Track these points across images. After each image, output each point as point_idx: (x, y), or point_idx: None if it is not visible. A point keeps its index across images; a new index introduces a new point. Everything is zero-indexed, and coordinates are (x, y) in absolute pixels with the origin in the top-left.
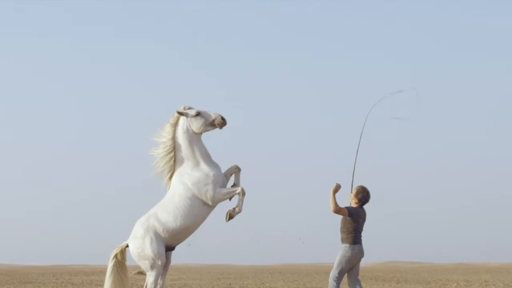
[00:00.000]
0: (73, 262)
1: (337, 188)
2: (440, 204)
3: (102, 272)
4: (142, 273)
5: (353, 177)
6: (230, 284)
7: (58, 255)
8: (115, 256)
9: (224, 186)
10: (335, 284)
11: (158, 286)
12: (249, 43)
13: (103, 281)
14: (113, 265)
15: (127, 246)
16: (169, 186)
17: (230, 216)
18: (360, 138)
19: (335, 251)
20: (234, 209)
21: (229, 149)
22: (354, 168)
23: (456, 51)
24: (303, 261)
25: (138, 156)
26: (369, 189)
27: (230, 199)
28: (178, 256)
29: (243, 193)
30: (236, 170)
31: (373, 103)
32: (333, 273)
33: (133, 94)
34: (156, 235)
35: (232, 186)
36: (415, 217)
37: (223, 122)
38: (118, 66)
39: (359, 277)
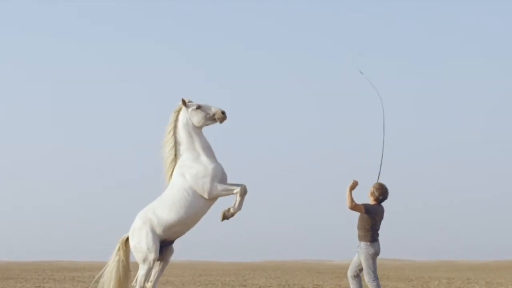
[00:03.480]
0: (55, 258)
1: (354, 185)
2: (423, 202)
3: (85, 268)
4: None
5: (379, 173)
6: (212, 281)
7: (41, 251)
8: (119, 249)
9: (223, 180)
10: (375, 283)
11: (150, 283)
12: (241, 40)
13: (85, 277)
14: (118, 260)
15: (127, 238)
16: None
17: (224, 217)
18: (384, 136)
19: (318, 249)
20: (228, 209)
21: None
22: (381, 164)
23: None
24: (285, 258)
25: (123, 155)
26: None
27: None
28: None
29: (241, 194)
30: (242, 189)
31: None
32: (369, 274)
33: (127, 91)
34: (152, 229)
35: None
36: (398, 215)
37: (223, 117)
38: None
39: (361, 274)
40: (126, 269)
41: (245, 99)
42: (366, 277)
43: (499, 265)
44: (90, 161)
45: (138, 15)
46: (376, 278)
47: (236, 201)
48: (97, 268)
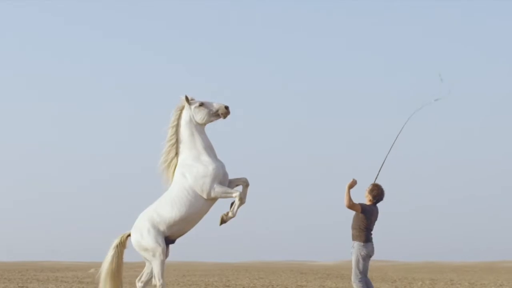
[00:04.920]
0: (39, 259)
1: (353, 183)
2: (406, 204)
3: (68, 268)
4: None
5: (378, 174)
6: (195, 281)
7: (24, 251)
8: (116, 246)
9: (224, 182)
10: (361, 284)
11: (141, 283)
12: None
13: (68, 277)
14: (113, 255)
15: (129, 235)
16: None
17: (223, 221)
18: (395, 140)
19: (301, 250)
20: (227, 213)
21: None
22: (381, 165)
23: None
24: (268, 258)
25: (103, 155)
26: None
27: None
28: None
29: (240, 198)
30: (243, 184)
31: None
32: (355, 273)
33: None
34: (154, 226)
35: (235, 187)
36: (381, 216)
37: (226, 112)
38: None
39: (368, 275)
40: (119, 265)
41: (235, 100)
42: (353, 276)
43: (482, 266)
44: (74, 160)
45: (113, 15)
46: (362, 279)
47: (234, 204)
48: (81, 268)
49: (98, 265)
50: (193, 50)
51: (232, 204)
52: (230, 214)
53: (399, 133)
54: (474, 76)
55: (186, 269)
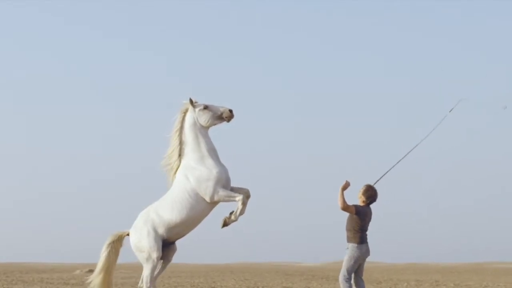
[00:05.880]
0: (24, 260)
1: (346, 185)
2: (391, 206)
3: (54, 269)
4: (93, 271)
5: (380, 178)
6: (181, 282)
7: (9, 253)
8: (112, 242)
9: (227, 185)
10: (347, 284)
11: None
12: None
13: (54, 278)
14: (108, 253)
15: (127, 234)
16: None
17: (225, 223)
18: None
19: (287, 251)
20: (230, 216)
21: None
22: (387, 171)
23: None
24: (254, 260)
25: (90, 156)
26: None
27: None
28: (128, 254)
29: (243, 202)
30: (245, 194)
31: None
32: (343, 273)
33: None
34: (154, 228)
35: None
36: None
37: (231, 115)
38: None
39: (363, 277)
40: (111, 263)
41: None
42: (340, 275)
43: (467, 267)
44: (58, 161)
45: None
46: (349, 279)
47: (238, 208)
48: (66, 269)
49: (83, 267)
50: (193, 50)
51: (231, 213)
52: (233, 218)
53: (420, 142)
54: (474, 76)
55: (172, 270)
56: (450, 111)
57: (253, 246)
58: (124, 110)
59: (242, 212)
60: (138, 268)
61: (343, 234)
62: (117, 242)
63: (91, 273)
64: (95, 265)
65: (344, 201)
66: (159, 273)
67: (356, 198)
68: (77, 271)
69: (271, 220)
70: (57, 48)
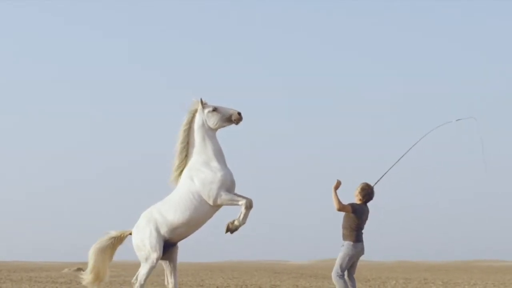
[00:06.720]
0: (12, 259)
1: (338, 184)
2: (381, 203)
3: (42, 268)
4: (82, 269)
5: (380, 178)
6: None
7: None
8: (114, 237)
9: (232, 189)
10: (341, 280)
11: (171, 285)
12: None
13: (42, 277)
14: (107, 245)
15: (130, 233)
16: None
17: (228, 229)
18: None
19: (275, 249)
20: (233, 221)
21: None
22: (385, 172)
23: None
24: (242, 258)
25: (76, 155)
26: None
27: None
28: (116, 253)
29: (246, 206)
30: (248, 203)
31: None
32: (336, 269)
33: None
34: (156, 228)
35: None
36: None
37: (239, 118)
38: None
39: (354, 275)
40: (107, 256)
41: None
42: (333, 272)
43: (456, 265)
44: (49, 160)
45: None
46: (342, 276)
47: (241, 213)
48: (55, 268)
49: (71, 265)
50: (193, 50)
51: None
52: (236, 223)
53: (411, 148)
54: (474, 76)
55: (161, 269)
56: (456, 120)
57: (242, 244)
58: (124, 110)
59: (245, 217)
60: (127, 266)
61: (331, 232)
62: (118, 240)
63: (80, 272)
64: (83, 264)
65: (339, 202)
66: (175, 274)
67: (351, 197)
68: (65, 270)
69: (259, 219)
70: (57, 48)
